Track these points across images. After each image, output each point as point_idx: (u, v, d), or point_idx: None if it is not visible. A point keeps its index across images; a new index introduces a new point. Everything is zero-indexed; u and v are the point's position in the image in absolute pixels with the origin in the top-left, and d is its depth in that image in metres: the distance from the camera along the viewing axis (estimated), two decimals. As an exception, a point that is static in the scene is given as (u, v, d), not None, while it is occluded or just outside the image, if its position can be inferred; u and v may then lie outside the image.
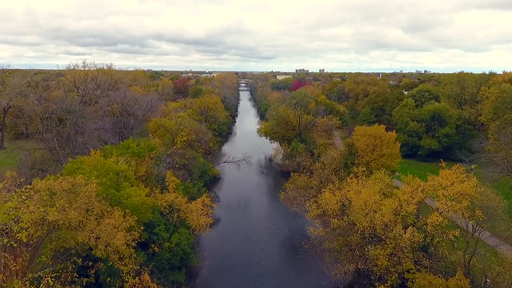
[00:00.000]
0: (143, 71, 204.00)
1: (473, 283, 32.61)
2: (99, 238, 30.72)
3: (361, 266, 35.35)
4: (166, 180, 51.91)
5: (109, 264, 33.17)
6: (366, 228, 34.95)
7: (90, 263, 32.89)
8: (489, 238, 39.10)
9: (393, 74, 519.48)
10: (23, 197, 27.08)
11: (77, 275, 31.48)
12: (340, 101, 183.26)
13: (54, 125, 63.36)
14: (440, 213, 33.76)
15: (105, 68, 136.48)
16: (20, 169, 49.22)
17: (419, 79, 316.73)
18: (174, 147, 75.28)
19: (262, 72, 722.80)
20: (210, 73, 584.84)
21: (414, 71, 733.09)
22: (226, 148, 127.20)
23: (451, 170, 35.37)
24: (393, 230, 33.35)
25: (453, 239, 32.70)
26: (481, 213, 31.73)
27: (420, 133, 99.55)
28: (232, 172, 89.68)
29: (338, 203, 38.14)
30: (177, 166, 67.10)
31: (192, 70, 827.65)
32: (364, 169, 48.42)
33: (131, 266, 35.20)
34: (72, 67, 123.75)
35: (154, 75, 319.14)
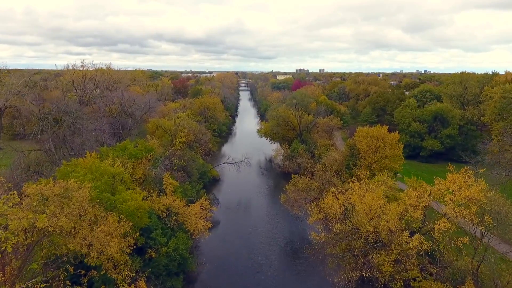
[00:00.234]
0: (142, 71, 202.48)
1: (482, 292, 31.38)
2: (92, 245, 29.39)
3: (366, 274, 34.03)
4: (163, 182, 50.59)
5: (103, 272, 31.87)
6: (371, 234, 33.64)
7: (83, 271, 31.57)
8: (499, 244, 37.79)
9: (393, 74, 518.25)
10: (10, 203, 25.73)
11: (70, 283, 30.16)
12: (341, 101, 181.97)
13: (49, 126, 61.92)
14: (448, 218, 32.46)
15: (104, 68, 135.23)
16: (13, 171, 47.82)
17: (419, 79, 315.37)
18: (173, 148, 73.97)
19: (262, 72, 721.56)
20: (210, 73, 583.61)
21: (414, 71, 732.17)
22: (226, 148, 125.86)
23: (459, 173, 34.04)
24: (399, 237, 32.05)
25: (461, 246, 31.34)
26: (491, 218, 30.45)
27: (422, 134, 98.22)
28: (232, 173, 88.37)
29: (341, 207, 36.81)
30: (175, 167, 65.81)
31: (192, 70, 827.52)
32: (368, 172, 47.03)
33: (126, 273, 33.88)
34: (70, 67, 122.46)
35: (154, 75, 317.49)
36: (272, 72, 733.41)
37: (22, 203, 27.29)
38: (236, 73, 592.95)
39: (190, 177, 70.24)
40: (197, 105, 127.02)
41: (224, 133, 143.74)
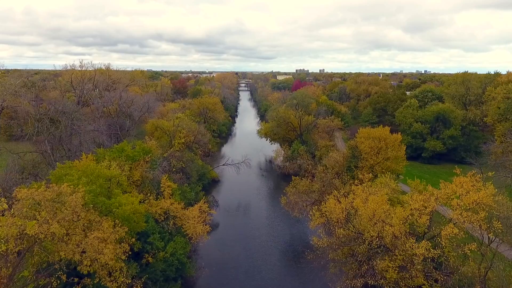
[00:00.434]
0: (142, 71, 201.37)
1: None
2: (85, 252, 28.25)
3: (370, 281, 32.88)
4: (161, 185, 49.46)
5: (96, 281, 30.71)
6: (374, 239, 32.52)
7: (76, 279, 30.40)
8: (508, 250, 36.61)
9: (394, 74, 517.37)
10: (-2, 210, 24.66)
11: (63, 291, 29.11)
12: (341, 101, 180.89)
13: (45, 127, 60.77)
14: (454, 224, 31.36)
15: (103, 68, 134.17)
16: (7, 174, 46.67)
17: (419, 79, 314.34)
18: (172, 149, 72.87)
19: (262, 72, 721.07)
20: (210, 73, 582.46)
21: (414, 71, 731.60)
22: (225, 149, 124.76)
23: (467, 177, 32.93)
24: (405, 244, 30.94)
25: (469, 253, 30.21)
26: (500, 224, 29.34)
27: (424, 134, 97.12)
28: (232, 175, 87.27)
29: (344, 212, 35.70)
30: (174, 169, 64.71)
31: (192, 70, 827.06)
32: (371, 175, 45.91)
33: (122, 280, 32.71)
34: (69, 67, 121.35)
35: (154, 75, 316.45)
36: (272, 72, 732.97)
37: (12, 209, 26.16)
38: (236, 73, 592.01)
39: (189, 179, 69.14)
40: (197, 105, 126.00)
41: (224, 133, 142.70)
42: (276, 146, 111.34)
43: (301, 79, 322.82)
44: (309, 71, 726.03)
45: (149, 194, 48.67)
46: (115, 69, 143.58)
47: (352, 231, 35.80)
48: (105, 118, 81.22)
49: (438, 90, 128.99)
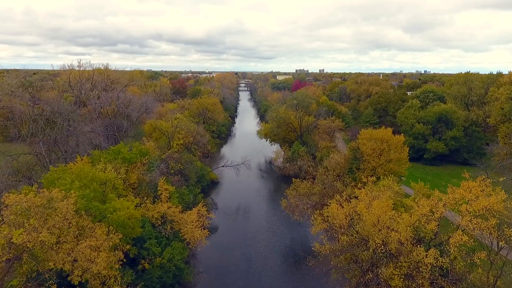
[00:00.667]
0: (141, 71, 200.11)
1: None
2: (76, 260, 26.91)
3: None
4: (158, 188, 48.13)
5: (89, 291, 29.41)
6: (379, 247, 31.22)
7: (67, 289, 29.13)
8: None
9: (394, 74, 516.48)
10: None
11: (53, 302, 27.73)
12: (342, 102, 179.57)
13: (39, 128, 59.37)
14: (463, 230, 30.08)
15: (102, 68, 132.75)
16: (0, 176, 45.31)
17: (419, 79, 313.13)
18: (170, 151, 71.53)
19: (262, 72, 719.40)
20: (210, 73, 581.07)
21: (414, 71, 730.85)
22: (225, 150, 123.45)
23: (476, 181, 31.64)
24: (412, 252, 29.64)
25: (479, 262, 28.91)
26: (511, 231, 28.07)
27: (426, 135, 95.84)
28: (231, 176, 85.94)
29: (347, 217, 34.40)
30: (172, 171, 63.39)
31: (192, 70, 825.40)
32: (374, 178, 44.61)
33: (116, 288, 31.41)
34: (67, 67, 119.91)
35: (154, 75, 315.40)
36: (272, 72, 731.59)
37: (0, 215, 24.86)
38: (236, 73, 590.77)
39: (187, 181, 67.85)
40: (196, 105, 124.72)
41: (224, 134, 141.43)
42: (276, 146, 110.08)
43: (301, 79, 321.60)
44: (309, 71, 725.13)
45: (145, 197, 47.39)
46: (113, 69, 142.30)
47: (355, 237, 34.49)
48: (102, 119, 79.88)
49: (440, 91, 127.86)
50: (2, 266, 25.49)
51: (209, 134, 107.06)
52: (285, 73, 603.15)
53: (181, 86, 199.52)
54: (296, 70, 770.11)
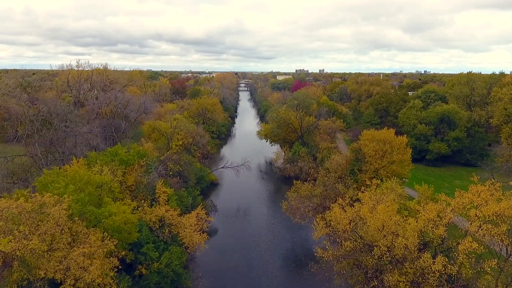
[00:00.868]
0: (140, 71, 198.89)
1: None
2: (69, 268, 25.77)
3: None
4: (156, 191, 47.01)
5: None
6: (385, 253, 30.10)
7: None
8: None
9: (394, 74, 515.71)
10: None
11: (46, 311, 26.61)
12: (342, 102, 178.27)
13: (34, 128, 58.20)
14: (472, 236, 28.95)
15: (101, 68, 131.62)
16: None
17: (420, 79, 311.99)
18: (169, 152, 70.43)
19: (262, 72, 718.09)
20: (209, 73, 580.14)
21: (414, 71, 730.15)
22: (225, 150, 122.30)
23: (485, 186, 30.50)
24: (419, 259, 28.52)
25: (489, 270, 27.74)
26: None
27: (428, 136, 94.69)
28: (231, 177, 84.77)
29: (351, 222, 33.26)
30: (171, 173, 62.26)
31: (192, 70, 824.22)
32: (379, 181, 43.49)
33: (111, 296, 30.28)
34: (65, 67, 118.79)
35: (153, 75, 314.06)
36: (272, 72, 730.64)
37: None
38: (236, 73, 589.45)
39: (186, 183, 66.73)
40: (195, 106, 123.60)
41: (223, 134, 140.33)
42: (276, 147, 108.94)
43: (301, 79, 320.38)
44: (309, 71, 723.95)
45: (143, 200, 46.29)
46: (113, 69, 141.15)
47: (359, 242, 33.38)
48: (100, 119, 78.74)
49: (441, 91, 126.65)
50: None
51: (209, 134, 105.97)
52: (285, 73, 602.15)
53: (180, 86, 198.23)
54: (296, 70, 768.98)
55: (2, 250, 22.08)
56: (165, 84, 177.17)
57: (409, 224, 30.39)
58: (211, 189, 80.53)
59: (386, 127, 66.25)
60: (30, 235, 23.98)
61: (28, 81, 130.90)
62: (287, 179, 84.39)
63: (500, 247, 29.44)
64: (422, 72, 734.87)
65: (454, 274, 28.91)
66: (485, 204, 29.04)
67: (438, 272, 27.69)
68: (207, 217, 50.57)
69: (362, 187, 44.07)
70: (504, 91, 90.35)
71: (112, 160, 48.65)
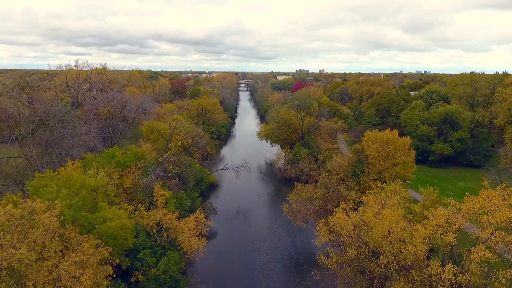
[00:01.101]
0: (139, 71, 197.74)
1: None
2: (60, 279, 24.47)
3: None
4: (154, 194, 45.70)
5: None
6: (391, 262, 28.81)
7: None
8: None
9: (394, 74, 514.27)
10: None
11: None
12: (343, 102, 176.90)
13: (29, 130, 56.89)
14: (484, 243, 27.65)
15: (100, 68, 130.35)
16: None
17: (420, 79, 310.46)
18: (168, 153, 69.14)
19: (262, 73, 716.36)
20: (209, 73, 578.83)
21: (414, 72, 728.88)
22: (224, 151, 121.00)
23: (496, 190, 29.20)
24: (428, 266, 27.23)
25: (504, 281, 26.40)
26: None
27: (431, 137, 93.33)
28: (231, 179, 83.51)
29: (356, 228, 31.98)
30: (169, 175, 60.95)
31: (192, 70, 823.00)
32: (383, 185, 42.19)
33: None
34: (64, 67, 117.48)
35: (153, 76, 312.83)
36: (272, 72, 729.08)
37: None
38: (236, 73, 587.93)
39: (185, 185, 65.41)
40: (195, 106, 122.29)
41: (223, 135, 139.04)
42: (276, 148, 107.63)
43: (301, 79, 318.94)
44: (309, 71, 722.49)
45: (140, 203, 45.00)
46: (112, 69, 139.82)
47: (364, 249, 32.09)
48: (98, 120, 77.45)
49: (443, 91, 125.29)
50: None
51: (209, 135, 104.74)
52: (285, 73, 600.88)
53: (180, 86, 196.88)
54: (296, 70, 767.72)
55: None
56: (164, 84, 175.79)
57: (417, 230, 29.08)
58: (210, 191, 79.25)
59: (388, 128, 64.97)
60: (18, 243, 22.71)
61: (26, 81, 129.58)
62: (288, 181, 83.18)
63: (511, 254, 28.14)
64: (422, 72, 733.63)
65: (464, 284, 27.59)
66: (497, 209, 27.77)
67: (449, 281, 26.36)
68: (206, 221, 49.25)
69: (367, 191, 42.73)
70: (508, 91, 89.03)
71: (109, 162, 47.40)
